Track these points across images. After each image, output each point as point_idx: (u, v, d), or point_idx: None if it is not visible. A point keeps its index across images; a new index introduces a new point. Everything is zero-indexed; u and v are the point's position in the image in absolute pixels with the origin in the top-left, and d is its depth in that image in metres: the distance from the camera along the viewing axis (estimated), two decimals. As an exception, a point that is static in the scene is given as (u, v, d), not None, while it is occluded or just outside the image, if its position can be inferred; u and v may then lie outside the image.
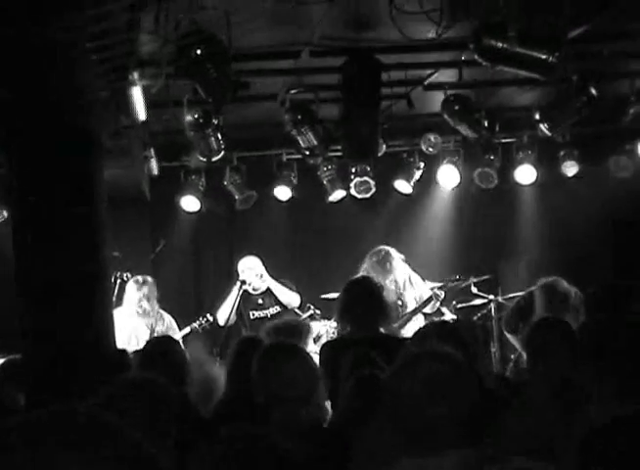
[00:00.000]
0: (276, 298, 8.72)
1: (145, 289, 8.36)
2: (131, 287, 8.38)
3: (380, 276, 8.31)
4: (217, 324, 8.65)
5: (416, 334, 4.83)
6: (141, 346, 7.81)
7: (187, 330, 8.54)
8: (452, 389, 2.92)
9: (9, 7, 4.70)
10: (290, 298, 8.72)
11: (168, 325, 8.37)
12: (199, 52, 6.14)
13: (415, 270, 8.71)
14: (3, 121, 5.18)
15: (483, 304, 9.05)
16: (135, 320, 8.28)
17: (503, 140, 9.38)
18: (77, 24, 4.80)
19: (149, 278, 8.48)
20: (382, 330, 5.64)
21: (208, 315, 8.64)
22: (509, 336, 7.54)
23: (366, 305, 5.57)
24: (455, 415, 2.90)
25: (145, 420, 2.99)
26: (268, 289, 8.74)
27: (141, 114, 7.12)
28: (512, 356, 8.26)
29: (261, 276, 8.66)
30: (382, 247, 8.67)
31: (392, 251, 8.61)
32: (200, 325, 8.59)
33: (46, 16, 4.75)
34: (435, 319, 8.01)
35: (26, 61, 4.84)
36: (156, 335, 8.05)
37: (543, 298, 6.94)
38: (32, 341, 5.13)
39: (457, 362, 3.02)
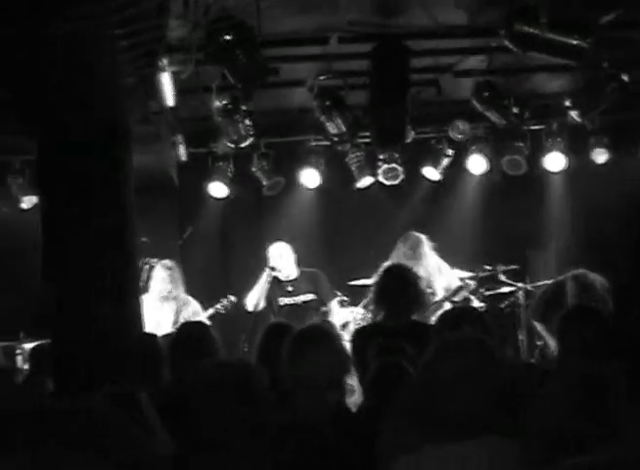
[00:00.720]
0: (306, 284, 8.68)
1: (170, 273, 8.39)
2: (157, 272, 8.41)
3: (410, 263, 8.28)
4: (244, 308, 8.66)
5: (443, 320, 4.81)
6: (166, 330, 7.91)
7: (211, 311, 8.55)
8: (481, 377, 2.91)
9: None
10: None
11: (195, 310, 8.38)
12: (228, 38, 6.14)
13: (443, 258, 8.68)
14: (31, 109, 5.21)
15: (511, 291, 9.01)
16: (161, 305, 8.31)
17: (532, 127, 9.31)
18: (106, 11, 4.80)
19: (174, 263, 8.51)
20: (414, 317, 5.63)
21: (231, 296, 8.64)
22: (536, 324, 7.51)
23: (400, 293, 5.56)
24: (481, 403, 2.89)
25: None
26: (298, 276, 8.71)
27: (170, 99, 7.12)
28: (538, 344, 8.22)
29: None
30: (413, 233, 8.63)
31: (423, 237, 8.58)
32: (223, 306, 8.60)
33: (73, 4, 4.76)
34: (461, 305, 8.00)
35: (53, 49, 4.86)
36: (182, 320, 8.07)
37: (574, 288, 6.91)
38: (61, 327, 5.17)
39: (486, 350, 3.01)
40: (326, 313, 8.51)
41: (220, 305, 8.59)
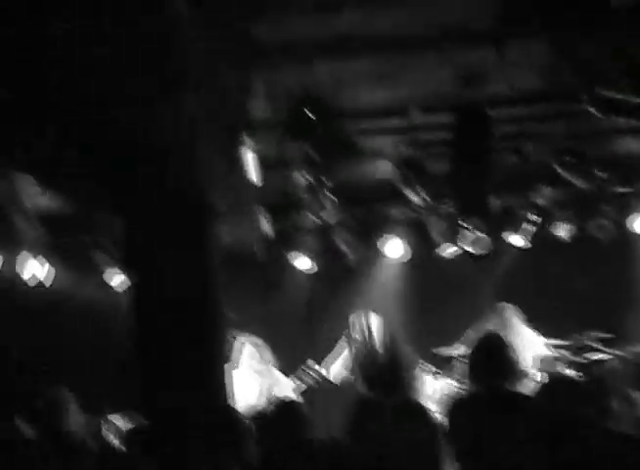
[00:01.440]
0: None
1: (259, 349, 8.43)
2: (246, 348, 8.45)
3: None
4: (328, 379, 8.64)
5: (544, 391, 4.71)
6: (255, 405, 7.92)
7: (301, 386, 8.51)
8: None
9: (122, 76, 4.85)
10: None
11: (285, 387, 8.38)
12: (309, 114, 6.23)
13: (533, 327, 8.55)
14: (119, 188, 5.33)
15: (607, 360, 8.76)
16: (251, 380, 8.33)
17: (619, 190, 9.17)
18: (188, 94, 4.94)
19: (258, 340, 8.55)
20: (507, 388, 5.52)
21: (315, 365, 8.59)
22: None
23: (495, 363, 5.48)
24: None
25: None
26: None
27: (253, 175, 7.24)
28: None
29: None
30: (502, 303, 8.56)
31: (512, 308, 8.49)
32: (312, 379, 8.55)
33: (160, 88, 4.90)
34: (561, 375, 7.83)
35: (142, 130, 4.99)
36: (273, 397, 8.08)
37: None
38: (153, 408, 5.20)
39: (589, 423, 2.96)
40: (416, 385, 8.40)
41: (304, 378, 8.54)
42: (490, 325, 8.29)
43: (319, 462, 2.92)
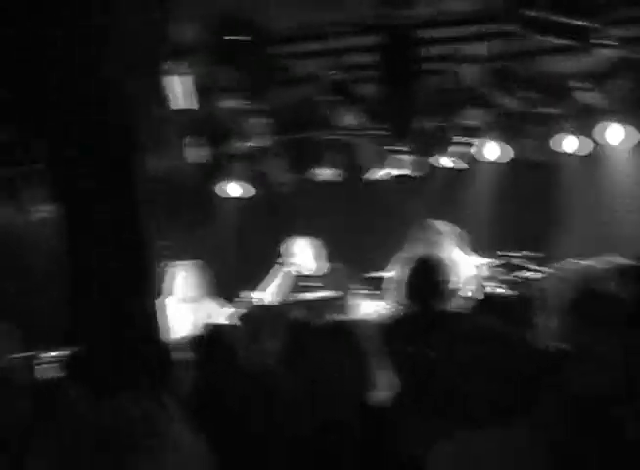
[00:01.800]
0: (324, 280, 8.71)
1: (191, 274, 8.45)
2: (179, 274, 8.46)
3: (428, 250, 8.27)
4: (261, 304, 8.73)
5: (477, 308, 4.84)
6: (186, 332, 8.00)
7: (231, 310, 8.57)
8: (501, 366, 2.93)
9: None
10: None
11: (214, 310, 8.44)
12: (236, 38, 6.16)
13: (462, 246, 8.66)
14: (46, 117, 5.23)
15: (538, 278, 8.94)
16: (181, 306, 8.36)
17: (546, 110, 9.26)
18: (115, 20, 4.83)
19: (194, 265, 8.56)
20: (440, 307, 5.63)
21: (251, 293, 8.64)
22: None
23: (429, 285, 5.57)
24: (503, 392, 2.92)
25: None
26: (316, 270, 8.75)
27: (182, 102, 7.15)
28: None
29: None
30: (429, 221, 8.62)
31: (439, 224, 8.56)
32: (242, 306, 8.61)
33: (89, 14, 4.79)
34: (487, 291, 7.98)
35: (66, 58, 4.88)
36: (201, 321, 8.20)
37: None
38: (85, 335, 5.20)
39: (505, 339, 3.03)
40: (348, 308, 8.53)
41: (239, 304, 8.60)
42: (420, 244, 8.39)
43: (253, 388, 2.97)
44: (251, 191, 9.68)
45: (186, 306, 8.38)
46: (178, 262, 8.56)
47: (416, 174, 9.62)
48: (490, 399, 2.92)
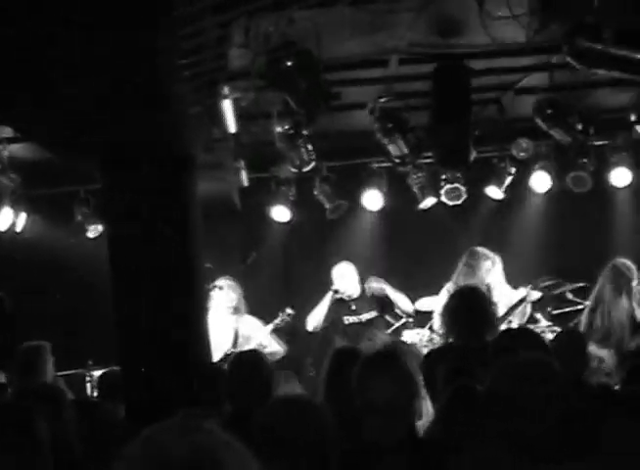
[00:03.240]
0: (369, 303, 8.74)
1: (232, 286, 8.52)
2: (220, 285, 8.52)
3: (470, 279, 8.25)
4: (306, 329, 8.75)
5: (496, 342, 4.79)
6: (227, 348, 8.05)
7: (270, 327, 8.57)
8: (547, 404, 2.89)
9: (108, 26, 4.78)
10: (406, 304, 8.72)
11: (255, 325, 8.48)
12: (289, 64, 6.18)
13: (508, 277, 8.61)
14: (99, 136, 5.28)
15: (580, 310, 8.85)
16: (224, 321, 8.41)
17: (597, 143, 9.19)
18: (172, 42, 4.87)
19: (234, 281, 8.62)
20: (486, 338, 5.57)
21: (289, 309, 8.65)
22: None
23: (471, 315, 5.52)
24: (554, 422, 2.86)
25: None
26: (361, 294, 8.76)
27: (232, 126, 7.20)
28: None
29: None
30: (474, 248, 8.60)
31: (486, 252, 8.53)
32: (282, 320, 8.61)
33: (143, 36, 4.83)
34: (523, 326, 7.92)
35: (126, 79, 4.92)
36: (241, 337, 8.24)
37: None
38: (130, 355, 5.21)
39: (552, 369, 2.99)
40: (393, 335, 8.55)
41: (279, 319, 8.60)
42: (461, 269, 8.37)
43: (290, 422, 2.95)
44: (299, 216, 9.68)
45: (226, 320, 8.43)
46: (221, 278, 8.60)
47: (465, 204, 9.57)
48: (540, 437, 2.87)
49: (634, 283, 7.95)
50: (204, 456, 1.45)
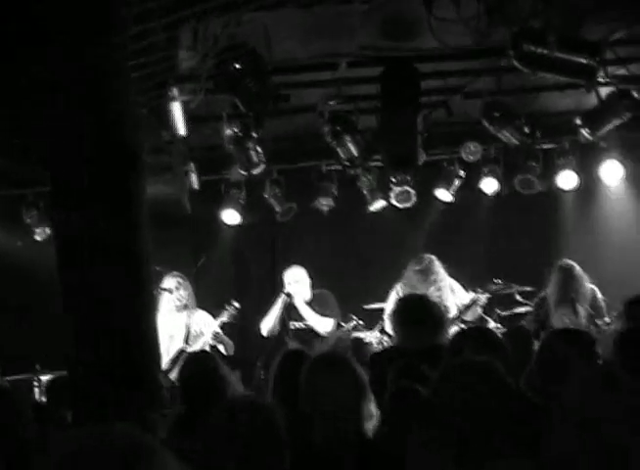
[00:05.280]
0: (317, 307, 8.73)
1: (181, 282, 8.49)
2: (168, 282, 8.48)
3: (421, 284, 8.31)
4: (258, 331, 8.73)
5: (452, 342, 4.83)
6: (179, 345, 8.09)
7: (219, 322, 8.52)
8: (490, 400, 2.92)
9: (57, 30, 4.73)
10: (322, 326, 8.67)
11: (205, 320, 8.46)
12: (237, 66, 6.17)
13: (457, 279, 8.68)
14: (46, 138, 5.22)
15: (528, 312, 8.95)
16: (174, 317, 8.38)
17: (544, 146, 9.29)
18: (119, 44, 4.83)
19: (184, 276, 8.58)
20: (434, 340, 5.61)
21: (235, 303, 8.60)
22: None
23: (420, 318, 5.55)
24: (496, 425, 2.89)
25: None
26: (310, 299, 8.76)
27: (181, 128, 7.16)
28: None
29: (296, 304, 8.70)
30: (424, 254, 8.66)
31: (434, 258, 8.60)
32: (229, 316, 8.57)
33: (91, 36, 4.78)
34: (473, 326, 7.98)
35: (72, 80, 4.88)
36: (194, 332, 8.28)
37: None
38: (77, 358, 5.16)
39: (493, 372, 3.02)
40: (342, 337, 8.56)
41: (226, 314, 8.55)
42: (411, 275, 8.42)
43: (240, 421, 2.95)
44: (249, 219, 9.66)
45: (176, 317, 8.40)
46: (171, 275, 8.56)
47: (414, 206, 9.62)
48: (480, 437, 2.90)
49: (581, 285, 8.07)
50: (122, 462, 1.45)
